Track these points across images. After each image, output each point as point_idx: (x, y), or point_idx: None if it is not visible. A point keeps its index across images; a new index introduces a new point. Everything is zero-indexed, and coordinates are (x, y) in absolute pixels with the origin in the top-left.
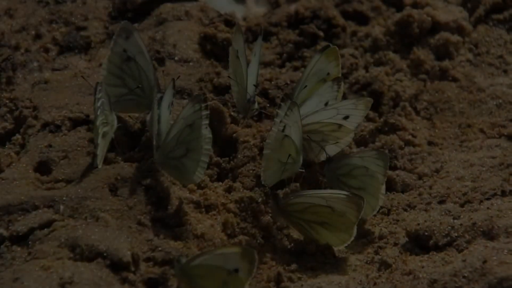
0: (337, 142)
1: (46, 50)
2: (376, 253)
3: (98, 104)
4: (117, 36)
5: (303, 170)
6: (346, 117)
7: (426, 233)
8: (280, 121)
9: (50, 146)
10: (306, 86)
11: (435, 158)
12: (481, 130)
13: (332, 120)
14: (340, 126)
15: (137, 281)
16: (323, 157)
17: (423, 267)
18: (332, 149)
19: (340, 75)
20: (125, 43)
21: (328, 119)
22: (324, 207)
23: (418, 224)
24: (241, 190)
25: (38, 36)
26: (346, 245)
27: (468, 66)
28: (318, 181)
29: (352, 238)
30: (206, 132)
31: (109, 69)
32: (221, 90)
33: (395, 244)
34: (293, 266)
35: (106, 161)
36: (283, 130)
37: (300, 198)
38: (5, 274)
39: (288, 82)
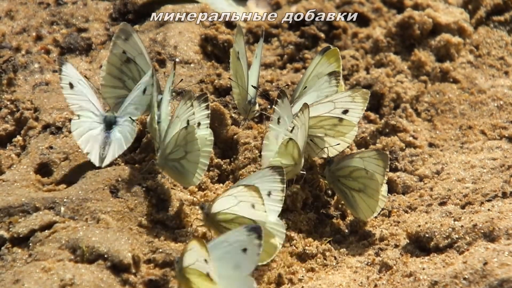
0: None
1: (47, 52)
2: (377, 254)
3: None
4: (116, 37)
5: (304, 172)
6: (345, 112)
7: (427, 235)
8: (280, 118)
9: (51, 147)
10: (306, 87)
11: (436, 160)
12: (482, 132)
13: (330, 114)
14: (340, 119)
15: (138, 282)
16: (324, 154)
17: (423, 268)
18: (338, 145)
19: (341, 76)
20: (124, 45)
21: (326, 114)
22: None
23: (419, 225)
24: None
25: (39, 38)
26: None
27: (469, 67)
28: (319, 183)
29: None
30: (207, 133)
31: (108, 70)
32: (222, 91)
33: (396, 246)
34: (294, 268)
35: None
36: (291, 131)
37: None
38: (6, 276)
39: (289, 84)
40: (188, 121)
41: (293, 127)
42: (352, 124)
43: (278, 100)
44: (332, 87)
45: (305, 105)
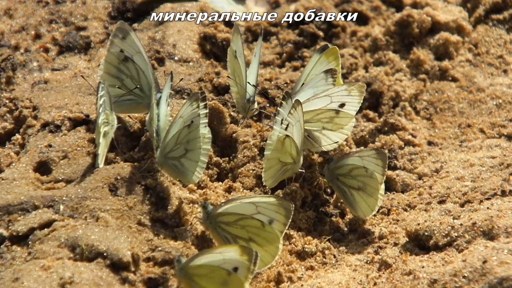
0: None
1: (46, 50)
2: (376, 253)
3: (100, 102)
4: (114, 36)
5: (303, 171)
6: (342, 105)
7: (426, 233)
8: (283, 119)
9: (50, 146)
10: (303, 83)
11: (435, 158)
12: (481, 130)
13: (327, 107)
14: (337, 111)
15: (137, 281)
16: (324, 147)
17: (423, 267)
18: (336, 137)
19: (340, 75)
20: (122, 43)
21: (323, 108)
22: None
23: (418, 224)
24: (241, 190)
25: (37, 36)
26: (275, 260)
27: (468, 66)
28: (318, 181)
29: (279, 252)
30: (205, 132)
31: (106, 69)
32: (221, 90)
33: (395, 244)
34: (293, 266)
35: (106, 161)
36: (285, 129)
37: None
38: (5, 274)
39: (288, 82)
40: (192, 121)
41: (287, 125)
42: (350, 116)
43: (282, 101)
44: (328, 85)
45: (297, 102)
